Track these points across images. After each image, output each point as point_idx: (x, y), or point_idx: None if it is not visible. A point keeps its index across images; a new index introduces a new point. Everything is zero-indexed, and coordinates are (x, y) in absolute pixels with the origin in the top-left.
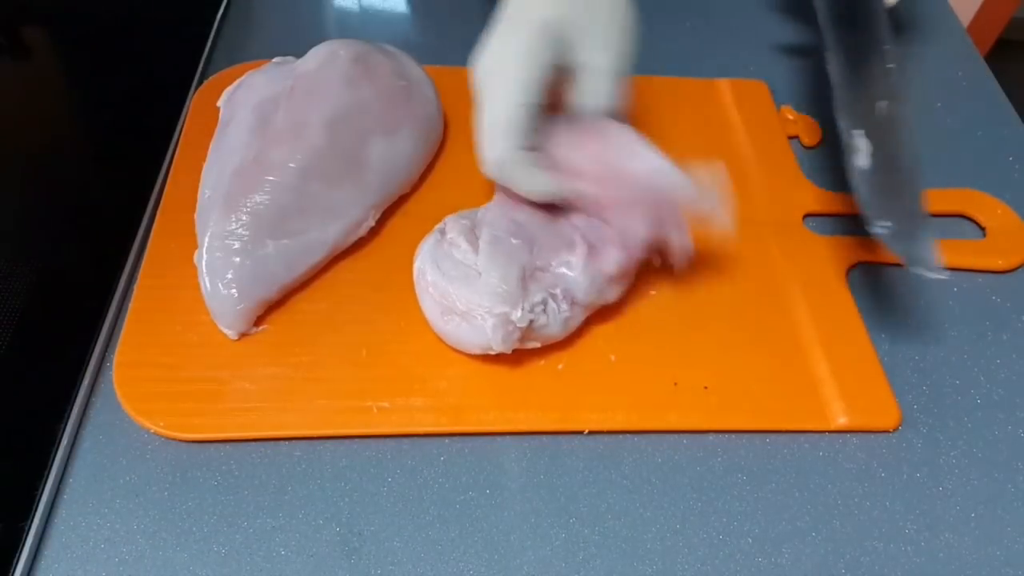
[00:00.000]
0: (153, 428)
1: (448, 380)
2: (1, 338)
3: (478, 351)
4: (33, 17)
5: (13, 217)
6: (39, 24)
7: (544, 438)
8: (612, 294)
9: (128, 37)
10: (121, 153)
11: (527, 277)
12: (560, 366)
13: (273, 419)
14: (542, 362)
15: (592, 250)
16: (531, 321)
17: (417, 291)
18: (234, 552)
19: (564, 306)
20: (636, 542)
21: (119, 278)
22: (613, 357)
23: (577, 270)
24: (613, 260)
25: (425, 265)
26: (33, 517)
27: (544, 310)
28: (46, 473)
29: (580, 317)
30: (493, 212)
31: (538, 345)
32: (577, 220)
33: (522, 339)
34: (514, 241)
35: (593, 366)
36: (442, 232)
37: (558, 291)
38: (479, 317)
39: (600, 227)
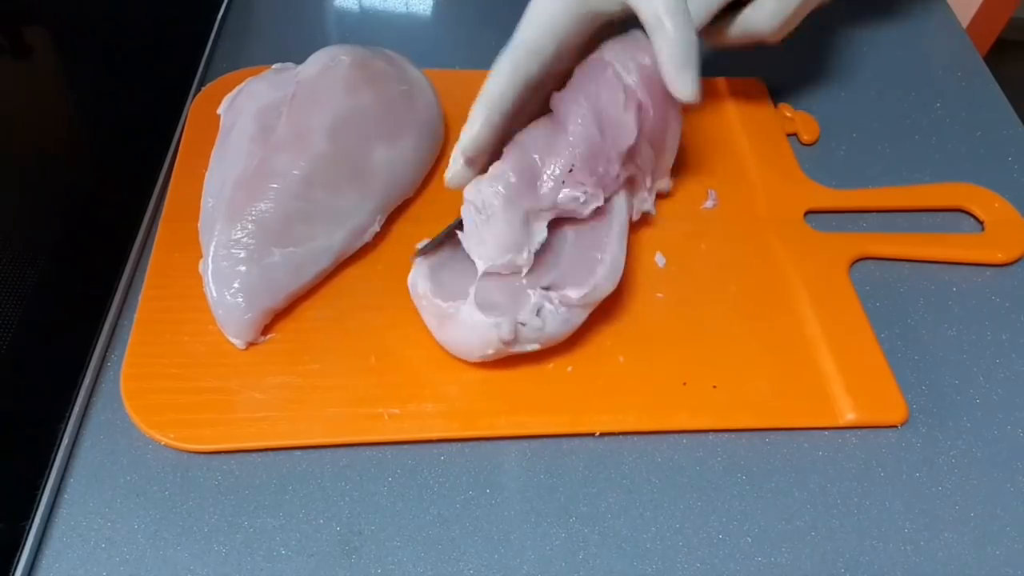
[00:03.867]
0: (164, 440)
1: (458, 385)
2: (2, 338)
3: (479, 354)
4: (34, 18)
5: (13, 217)
6: (40, 25)
7: (544, 438)
8: (604, 274)
9: (127, 41)
10: (119, 157)
11: (531, 219)
12: (569, 368)
13: (284, 428)
14: (551, 365)
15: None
16: (524, 324)
17: (416, 306)
18: (234, 551)
19: (561, 308)
20: (636, 541)
21: (120, 276)
22: (622, 358)
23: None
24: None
25: (416, 278)
26: (34, 517)
27: (538, 313)
28: (47, 473)
29: (581, 316)
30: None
31: (537, 347)
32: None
33: (520, 341)
34: (513, 181)
35: (602, 368)
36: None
37: (553, 295)
38: (467, 315)
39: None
